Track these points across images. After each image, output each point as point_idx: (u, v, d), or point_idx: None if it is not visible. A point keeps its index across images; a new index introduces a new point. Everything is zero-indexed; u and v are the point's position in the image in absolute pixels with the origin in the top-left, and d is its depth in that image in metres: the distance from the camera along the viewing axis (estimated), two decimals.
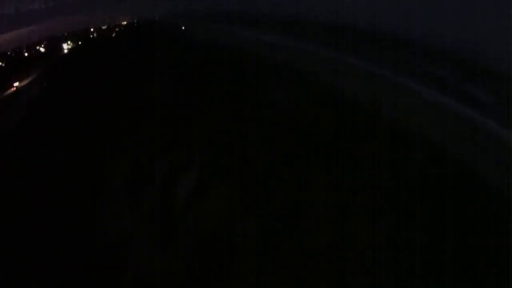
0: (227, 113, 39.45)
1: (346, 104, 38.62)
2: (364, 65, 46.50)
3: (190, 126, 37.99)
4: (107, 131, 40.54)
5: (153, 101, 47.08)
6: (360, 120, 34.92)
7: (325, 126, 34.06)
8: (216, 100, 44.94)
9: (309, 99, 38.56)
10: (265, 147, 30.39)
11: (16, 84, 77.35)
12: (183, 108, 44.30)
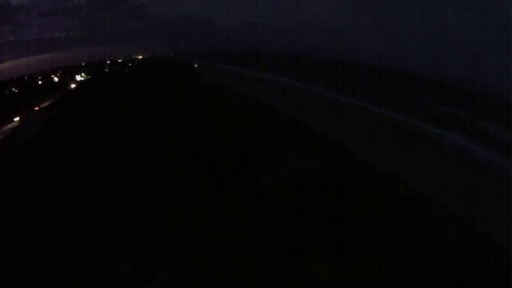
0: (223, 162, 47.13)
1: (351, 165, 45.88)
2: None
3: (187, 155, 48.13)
4: (111, 152, 52.30)
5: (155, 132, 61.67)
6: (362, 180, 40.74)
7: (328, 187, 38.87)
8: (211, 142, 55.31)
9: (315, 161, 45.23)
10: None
11: (36, 106, 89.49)
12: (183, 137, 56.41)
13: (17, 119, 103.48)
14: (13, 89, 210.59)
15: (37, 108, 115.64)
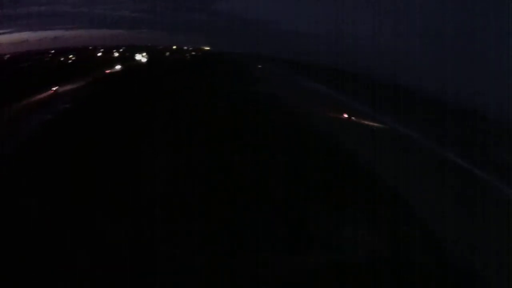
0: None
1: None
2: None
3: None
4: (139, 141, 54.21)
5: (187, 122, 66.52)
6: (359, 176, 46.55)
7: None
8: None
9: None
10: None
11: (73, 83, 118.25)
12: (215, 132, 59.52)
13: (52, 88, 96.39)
14: (71, 56, 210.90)
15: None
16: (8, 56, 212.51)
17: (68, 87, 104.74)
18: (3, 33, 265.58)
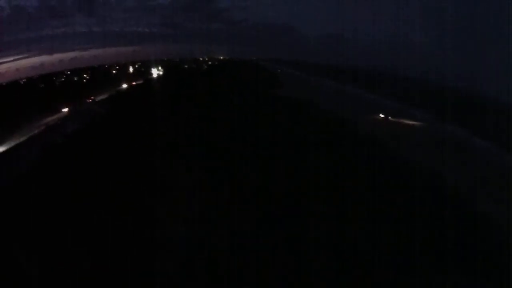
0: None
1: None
2: None
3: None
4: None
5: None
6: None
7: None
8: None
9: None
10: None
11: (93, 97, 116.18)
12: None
13: (65, 110, 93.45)
14: (85, 75, 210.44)
15: (91, 99, 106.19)
16: (24, 80, 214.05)
17: (83, 105, 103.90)
18: (21, 58, 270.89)
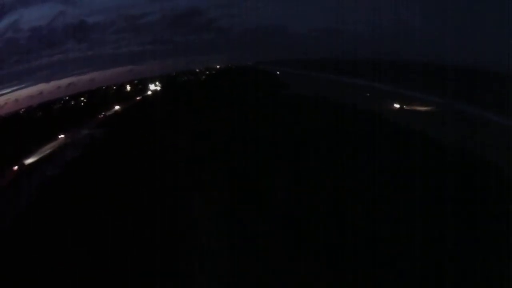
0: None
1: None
2: None
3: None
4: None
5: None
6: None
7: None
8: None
9: None
10: None
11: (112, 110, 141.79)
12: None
13: (61, 136, 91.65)
14: (82, 99, 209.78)
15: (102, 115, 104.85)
16: (23, 109, 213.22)
17: (80, 131, 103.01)
18: (19, 89, 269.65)
